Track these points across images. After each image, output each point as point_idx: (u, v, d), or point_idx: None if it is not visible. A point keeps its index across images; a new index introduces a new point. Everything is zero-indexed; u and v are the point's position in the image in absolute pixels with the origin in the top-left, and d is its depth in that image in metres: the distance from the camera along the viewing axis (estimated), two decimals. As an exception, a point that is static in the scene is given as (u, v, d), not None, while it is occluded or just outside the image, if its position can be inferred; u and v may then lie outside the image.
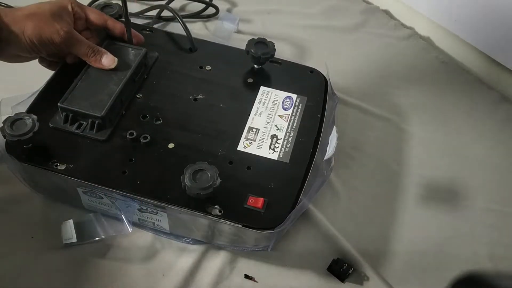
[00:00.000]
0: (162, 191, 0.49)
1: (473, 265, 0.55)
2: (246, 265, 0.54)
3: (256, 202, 0.49)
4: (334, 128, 0.56)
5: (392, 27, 0.85)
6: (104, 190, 0.50)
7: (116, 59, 0.55)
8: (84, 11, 0.57)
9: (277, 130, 0.56)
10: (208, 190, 0.47)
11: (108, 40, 0.59)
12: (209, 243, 0.54)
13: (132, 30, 0.59)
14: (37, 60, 0.57)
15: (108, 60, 0.55)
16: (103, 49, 0.56)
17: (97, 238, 0.53)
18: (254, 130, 0.56)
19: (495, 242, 0.58)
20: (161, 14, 0.79)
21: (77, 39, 0.54)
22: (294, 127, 0.57)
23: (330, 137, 0.56)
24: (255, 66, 0.62)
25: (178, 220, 0.51)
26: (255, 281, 0.53)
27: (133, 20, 0.72)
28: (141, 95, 0.58)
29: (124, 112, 0.55)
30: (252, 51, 0.60)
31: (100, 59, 0.55)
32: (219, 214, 0.48)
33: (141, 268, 0.52)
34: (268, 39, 0.62)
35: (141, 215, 0.52)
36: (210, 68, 0.62)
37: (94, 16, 0.58)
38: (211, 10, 0.82)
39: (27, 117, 0.49)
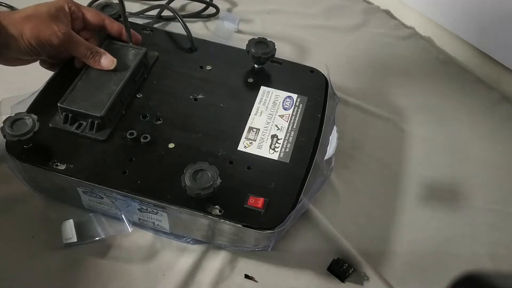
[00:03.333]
0: (162, 191, 0.49)
1: (473, 265, 0.56)
2: (246, 265, 0.54)
3: (257, 202, 0.49)
4: (335, 128, 0.56)
5: (393, 27, 0.85)
6: (104, 190, 0.50)
7: (115, 60, 0.55)
8: (81, 10, 0.57)
9: (277, 130, 0.56)
10: (208, 190, 0.47)
11: (108, 40, 0.59)
12: (209, 243, 0.54)
13: (131, 30, 0.59)
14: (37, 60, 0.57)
15: (107, 61, 0.55)
16: (102, 50, 0.55)
17: (97, 238, 0.53)
18: (255, 130, 0.56)
19: (495, 242, 0.58)
20: (162, 14, 0.79)
21: (75, 40, 0.54)
22: (294, 127, 0.57)
23: (330, 137, 0.56)
24: (256, 66, 0.62)
25: (178, 220, 0.51)
26: (255, 281, 0.53)
27: (134, 19, 0.72)
28: (141, 95, 0.58)
29: (124, 112, 0.55)
30: (253, 50, 0.60)
31: (99, 60, 0.55)
32: (219, 214, 0.48)
33: (141, 268, 0.52)
34: (268, 39, 0.62)
35: (141, 215, 0.52)
36: (210, 68, 0.62)
37: (91, 15, 0.58)
38: (211, 10, 0.82)
39: (27, 117, 0.49)
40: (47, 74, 0.58)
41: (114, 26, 0.59)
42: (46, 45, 0.52)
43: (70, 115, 0.52)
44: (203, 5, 0.82)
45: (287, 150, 0.55)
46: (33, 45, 0.51)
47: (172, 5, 0.80)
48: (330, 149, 0.54)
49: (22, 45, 0.51)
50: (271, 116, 0.58)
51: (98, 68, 0.55)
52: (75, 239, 0.52)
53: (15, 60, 0.54)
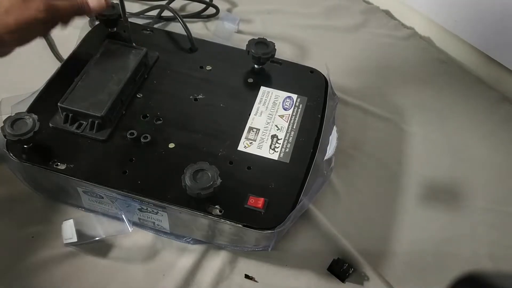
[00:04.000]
0: (163, 191, 0.49)
1: (473, 265, 0.56)
2: (246, 265, 0.54)
3: (257, 202, 0.49)
4: (334, 128, 0.56)
5: (392, 27, 0.85)
6: (104, 190, 0.50)
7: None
8: None
9: (277, 130, 0.56)
10: (208, 190, 0.47)
11: (108, 40, 0.59)
12: (210, 243, 0.54)
13: None
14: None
15: (95, 1, 0.52)
16: None
17: (97, 238, 0.53)
18: (255, 130, 0.56)
19: (495, 242, 0.58)
20: (162, 14, 0.79)
21: (56, 4, 0.50)
22: (294, 127, 0.57)
23: (330, 137, 0.56)
24: (256, 66, 0.62)
25: (179, 220, 0.51)
26: (255, 281, 0.53)
27: (134, 20, 0.72)
28: (141, 95, 0.58)
29: (124, 111, 0.55)
30: (253, 51, 0.60)
31: (88, 6, 0.52)
32: (220, 214, 0.48)
33: (142, 268, 0.52)
34: (268, 39, 0.62)
35: (141, 215, 0.52)
36: (210, 68, 0.62)
37: None
38: (211, 10, 0.82)
39: (27, 117, 0.49)
40: (47, 74, 0.58)
41: None
42: (34, 28, 0.49)
43: (70, 115, 0.52)
44: (203, 6, 0.82)
45: (287, 150, 0.55)
46: (21, 35, 0.49)
47: (172, 5, 0.80)
48: (330, 149, 0.54)
49: (6, 40, 0.48)
50: (271, 116, 0.58)
51: (92, 13, 0.53)
52: (75, 239, 0.52)
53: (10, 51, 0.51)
